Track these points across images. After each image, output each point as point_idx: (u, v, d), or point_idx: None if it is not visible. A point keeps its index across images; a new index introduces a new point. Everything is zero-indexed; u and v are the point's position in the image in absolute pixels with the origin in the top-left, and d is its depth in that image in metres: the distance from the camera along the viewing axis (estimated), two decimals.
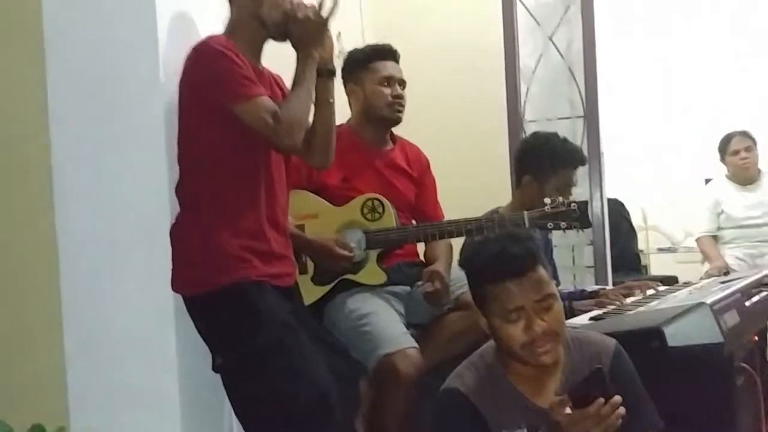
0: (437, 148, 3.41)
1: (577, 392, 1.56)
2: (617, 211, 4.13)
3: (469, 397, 1.72)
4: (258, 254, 2.02)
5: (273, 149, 2.01)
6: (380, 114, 2.58)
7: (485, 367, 1.77)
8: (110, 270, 2.13)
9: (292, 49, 2.10)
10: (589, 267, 3.56)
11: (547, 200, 2.40)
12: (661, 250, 5.67)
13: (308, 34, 2.04)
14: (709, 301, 2.04)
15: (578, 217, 2.37)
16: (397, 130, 2.74)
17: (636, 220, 5.54)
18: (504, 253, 1.69)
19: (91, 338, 2.15)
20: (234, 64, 1.95)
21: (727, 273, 3.56)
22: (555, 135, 2.86)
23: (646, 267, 5.46)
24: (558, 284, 2.89)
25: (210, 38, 2.01)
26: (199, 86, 1.98)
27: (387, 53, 2.61)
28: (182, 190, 2.05)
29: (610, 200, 3.98)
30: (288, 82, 2.12)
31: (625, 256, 4.10)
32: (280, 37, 2.08)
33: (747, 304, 2.26)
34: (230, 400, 2.04)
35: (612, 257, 3.70)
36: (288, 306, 2.06)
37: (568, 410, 1.55)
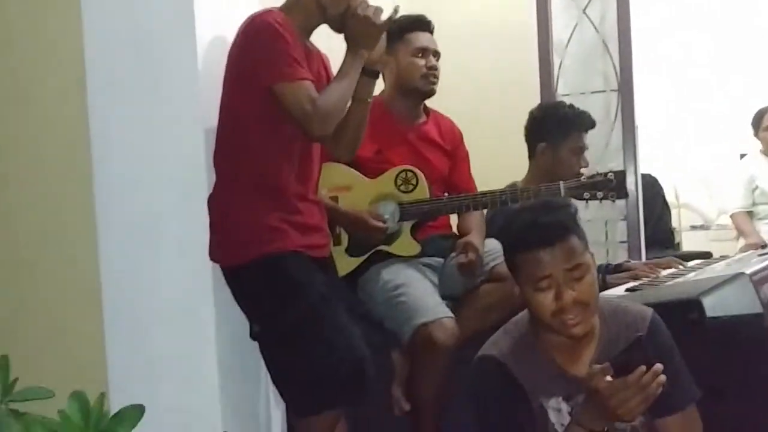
0: (470, 123, 3.39)
1: (618, 361, 1.54)
2: (651, 186, 4.07)
3: (506, 364, 1.72)
4: (294, 226, 2.04)
5: (303, 134, 2.02)
6: (414, 86, 2.56)
7: (520, 335, 1.77)
8: (148, 239, 2.15)
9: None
10: (622, 242, 3.52)
11: (584, 170, 2.39)
12: (693, 227, 5.62)
13: (364, 34, 2.04)
14: (748, 271, 2.01)
15: (615, 186, 2.35)
16: (430, 105, 2.73)
17: (669, 197, 5.49)
18: (535, 222, 1.69)
19: (129, 307, 2.18)
20: (285, 43, 1.95)
21: (764, 247, 3.52)
22: (562, 102, 2.94)
23: (679, 244, 5.41)
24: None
25: (267, 12, 2.02)
26: (248, 58, 1.99)
27: (422, 24, 2.59)
28: (221, 160, 2.07)
29: (644, 176, 3.93)
30: (335, 65, 2.14)
31: (658, 232, 4.04)
32: (336, 26, 2.08)
33: None
34: (268, 368, 2.07)
35: (646, 233, 3.66)
36: (323, 277, 2.08)
37: (608, 378, 1.54)
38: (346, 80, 2.04)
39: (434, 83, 2.58)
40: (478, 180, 2.79)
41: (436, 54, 2.59)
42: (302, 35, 2.08)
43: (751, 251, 2.99)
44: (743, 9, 5.29)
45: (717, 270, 2.31)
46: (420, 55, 2.56)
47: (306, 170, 2.10)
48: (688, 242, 5.43)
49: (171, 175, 2.14)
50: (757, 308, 1.96)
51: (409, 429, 2.32)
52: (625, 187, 2.39)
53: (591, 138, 2.91)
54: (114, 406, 1.93)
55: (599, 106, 3.47)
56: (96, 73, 2.17)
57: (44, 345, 2.27)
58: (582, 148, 2.76)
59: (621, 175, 2.38)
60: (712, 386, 1.90)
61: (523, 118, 3.59)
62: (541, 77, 3.55)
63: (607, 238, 3.56)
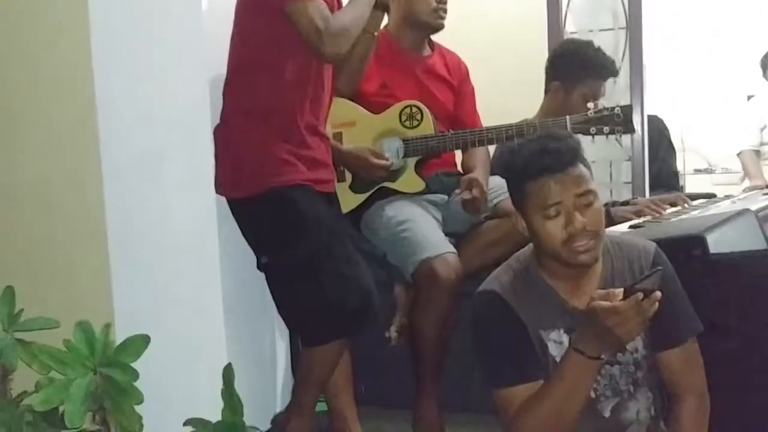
0: (477, 61, 3.34)
1: (632, 291, 1.54)
2: (657, 127, 4.02)
3: (506, 298, 1.72)
4: (303, 159, 2.04)
5: (314, 54, 1.99)
6: (423, 19, 2.52)
7: (522, 269, 1.77)
8: (153, 173, 2.16)
9: None
10: (626, 183, 3.50)
11: (590, 104, 2.37)
12: (697, 171, 5.60)
13: None
14: (753, 207, 2.00)
15: (622, 121, 2.33)
16: (438, 41, 2.69)
17: (673, 141, 5.46)
18: (544, 149, 1.67)
19: (134, 240, 2.20)
20: None
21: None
22: (590, 44, 2.83)
23: (683, 188, 5.40)
24: None
25: None
26: None
27: None
28: (230, 92, 2.05)
29: (650, 116, 3.88)
30: None
31: (663, 173, 4.01)
32: None
33: None
34: (274, 299, 2.08)
35: (650, 175, 3.64)
36: (331, 211, 2.08)
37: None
38: (359, 4, 2.01)
39: (443, 18, 2.53)
40: (486, 119, 2.76)
41: None
42: None
43: (756, 191, 2.98)
44: None
45: (722, 207, 2.30)
46: None
47: (317, 102, 2.08)
48: (692, 186, 5.41)
49: (174, 110, 2.13)
50: (762, 244, 1.96)
51: (412, 361, 2.34)
52: (631, 122, 2.37)
53: None
54: (120, 336, 1.97)
55: (607, 44, 3.39)
56: (99, 11, 2.15)
57: (50, 276, 2.29)
58: (596, 97, 2.69)
59: (628, 109, 2.36)
60: (716, 322, 1.92)
61: (531, 56, 3.55)
62: (549, 15, 3.49)
63: (611, 178, 3.54)
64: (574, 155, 1.68)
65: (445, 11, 2.53)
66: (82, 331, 1.93)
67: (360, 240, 2.41)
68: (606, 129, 2.34)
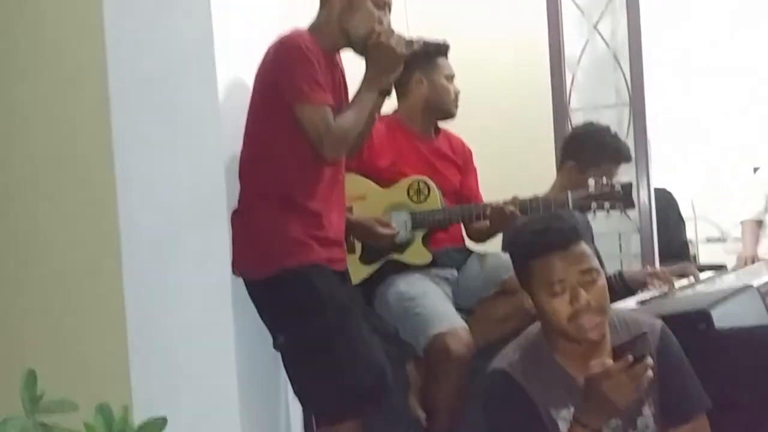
0: (485, 138, 3.45)
1: (620, 350, 1.59)
2: (665, 200, 4.09)
3: (516, 377, 1.75)
4: (317, 239, 2.10)
5: (317, 155, 2.08)
6: (444, 108, 2.67)
7: (531, 347, 1.80)
8: (170, 254, 2.22)
9: None
10: (636, 255, 3.55)
11: (591, 181, 2.43)
12: (709, 240, 5.62)
13: (386, 62, 2.11)
14: (756, 283, 2.04)
15: (622, 197, 2.40)
16: (447, 122, 2.79)
17: (685, 210, 5.50)
18: (547, 228, 1.73)
19: (152, 321, 2.25)
20: (311, 65, 2.03)
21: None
22: (607, 128, 2.93)
23: (695, 257, 5.41)
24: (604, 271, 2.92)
25: (296, 33, 2.09)
26: (275, 76, 2.07)
27: (448, 50, 2.70)
28: (246, 177, 2.14)
29: (658, 190, 3.95)
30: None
31: (673, 245, 4.06)
32: (359, 50, 2.15)
33: None
34: (290, 378, 2.12)
35: (660, 246, 3.67)
36: (345, 289, 2.14)
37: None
38: (360, 107, 2.11)
39: (458, 107, 2.69)
40: (492, 194, 2.83)
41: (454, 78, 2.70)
42: (328, 54, 2.14)
43: (763, 262, 3.02)
44: (755, 22, 5.31)
45: (727, 282, 2.34)
46: (449, 80, 2.66)
47: (332, 182, 2.16)
48: (705, 255, 5.43)
49: (191, 192, 2.21)
50: (765, 319, 1.99)
51: None
52: (631, 198, 2.44)
53: None
54: (137, 418, 2.00)
55: (611, 120, 3.49)
56: (119, 94, 2.25)
57: (69, 358, 2.34)
58: (610, 179, 2.74)
59: (628, 186, 2.43)
60: (722, 397, 1.94)
61: (537, 133, 3.66)
62: (553, 92, 3.59)
63: (621, 250, 3.58)
64: (576, 233, 1.74)
65: (458, 101, 2.70)
66: (102, 413, 1.96)
67: (371, 315, 2.45)
68: (606, 205, 2.41)
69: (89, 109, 2.35)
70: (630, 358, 1.56)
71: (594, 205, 2.42)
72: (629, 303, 2.29)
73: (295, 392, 2.14)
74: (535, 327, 1.85)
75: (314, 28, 2.16)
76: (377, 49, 2.09)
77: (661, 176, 4.84)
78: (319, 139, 2.03)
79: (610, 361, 1.60)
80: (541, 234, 1.74)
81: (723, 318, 2.01)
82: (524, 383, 1.75)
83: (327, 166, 2.13)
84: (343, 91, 2.20)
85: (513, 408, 1.75)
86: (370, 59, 2.12)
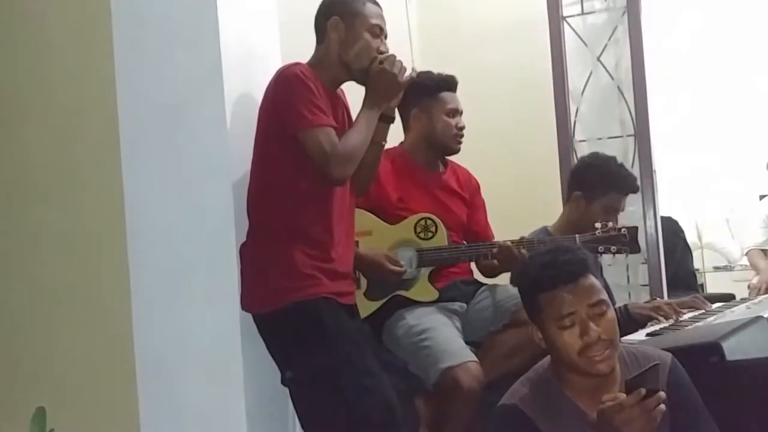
0: (490, 170, 3.46)
1: (631, 383, 1.59)
2: (672, 229, 4.10)
3: (526, 412, 1.74)
4: (325, 273, 2.10)
5: (323, 178, 2.08)
6: (444, 144, 2.66)
7: (542, 381, 1.80)
8: (178, 291, 2.23)
9: None
10: (644, 285, 3.54)
11: (598, 225, 2.46)
12: (717, 268, 5.61)
13: (386, 89, 2.14)
14: (766, 314, 2.04)
15: (628, 242, 2.42)
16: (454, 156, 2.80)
17: (691, 239, 5.49)
18: (555, 261, 1.74)
19: (160, 355, 2.25)
20: (309, 92, 2.05)
21: None
22: (613, 159, 2.94)
23: (702, 286, 5.40)
24: (613, 303, 2.92)
25: (295, 64, 2.12)
26: (276, 107, 2.09)
27: (452, 84, 2.68)
28: (255, 211, 2.14)
29: (664, 218, 3.96)
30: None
31: (680, 274, 4.05)
32: (361, 81, 2.18)
33: None
34: (298, 414, 2.11)
35: (668, 276, 3.67)
36: (353, 323, 2.13)
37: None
38: (363, 130, 2.12)
39: (461, 143, 2.68)
40: (498, 226, 2.84)
41: (461, 113, 2.69)
42: (328, 87, 2.16)
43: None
44: (756, 51, 5.35)
45: (737, 313, 2.33)
46: (451, 115, 2.64)
47: (338, 216, 2.16)
48: (713, 283, 5.43)
49: (200, 228, 2.22)
50: None
51: None
52: (637, 243, 2.47)
53: None
54: None
55: (616, 151, 3.50)
56: (129, 129, 2.28)
57: (79, 394, 2.33)
58: (617, 210, 2.79)
59: (634, 231, 2.46)
60: (735, 429, 1.93)
61: (542, 165, 3.68)
62: (558, 124, 3.62)
63: (628, 281, 3.58)
64: (584, 266, 1.75)
65: (462, 136, 2.68)
66: None
67: (379, 349, 2.45)
68: (613, 249, 2.45)
69: (98, 145, 2.38)
70: (643, 391, 1.56)
71: (601, 248, 2.44)
72: (639, 335, 2.28)
73: (304, 428, 2.12)
74: (545, 361, 1.84)
75: (314, 63, 2.18)
76: (380, 75, 2.12)
77: (667, 205, 4.89)
78: (325, 159, 2.03)
79: (622, 395, 1.60)
80: (549, 267, 1.75)
81: (734, 350, 2.00)
82: (535, 418, 1.74)
83: (334, 199, 2.13)
84: (346, 125, 2.21)
85: None
86: (371, 85, 2.14)
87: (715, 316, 2.37)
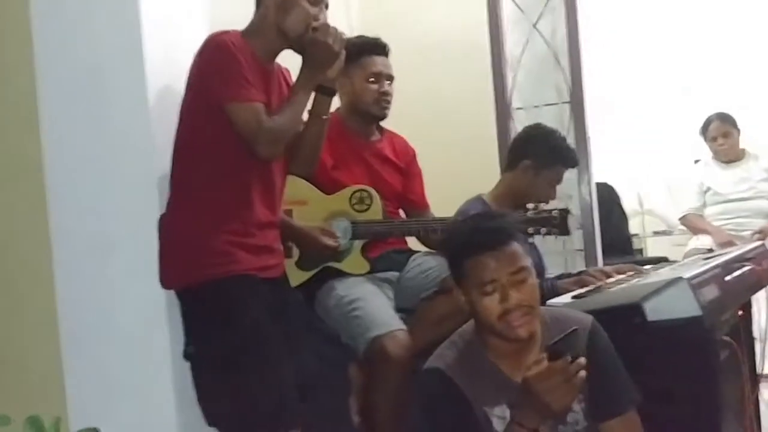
0: (428, 139, 3.45)
1: (553, 350, 1.61)
2: (608, 195, 4.18)
3: (450, 376, 1.76)
4: (245, 248, 2.05)
5: (250, 154, 2.04)
6: (366, 109, 2.63)
7: (465, 345, 1.82)
8: (102, 266, 2.19)
9: None
10: (579, 251, 3.60)
11: (530, 205, 2.46)
12: (656, 233, 5.72)
13: (321, 59, 2.08)
14: (686, 275, 2.08)
15: (558, 224, 2.41)
16: (389, 122, 2.78)
17: (632, 205, 5.61)
18: (478, 228, 1.77)
19: (86, 333, 2.22)
20: (238, 63, 1.99)
21: (710, 251, 3.65)
22: (558, 131, 2.95)
23: (641, 250, 5.51)
24: (545, 271, 2.96)
25: (224, 32, 2.05)
26: (203, 77, 2.03)
27: (377, 48, 2.64)
28: (174, 182, 2.09)
29: (600, 185, 4.03)
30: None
31: (617, 240, 4.15)
32: (298, 49, 2.12)
33: (727, 278, 2.28)
34: (195, 387, 2.06)
35: (604, 241, 3.74)
36: (272, 300, 2.08)
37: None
38: (296, 103, 2.08)
39: (386, 108, 2.64)
40: (436, 195, 2.85)
41: (390, 78, 2.64)
42: (263, 58, 2.10)
43: (698, 256, 3.08)
44: (695, 15, 5.42)
45: (661, 275, 2.37)
46: (373, 80, 2.61)
47: (263, 188, 2.11)
48: (653, 247, 5.54)
49: (122, 204, 2.18)
50: (696, 311, 2.02)
51: None
52: (567, 225, 2.45)
53: None
54: (73, 429, 1.97)
55: (552, 118, 3.56)
56: (48, 99, 2.22)
57: (2, 372, 2.29)
58: (558, 183, 2.82)
59: (564, 213, 2.44)
60: (659, 389, 1.97)
61: (479, 133, 3.70)
62: (495, 92, 3.64)
63: (564, 246, 3.63)
64: (508, 234, 1.77)
65: (388, 101, 2.64)
66: (33, 425, 1.93)
67: (312, 318, 2.45)
68: (543, 231, 2.43)
69: (16, 117, 2.31)
70: (568, 359, 1.58)
71: (531, 230, 2.43)
72: (564, 298, 2.31)
73: (198, 402, 2.07)
74: (469, 325, 1.86)
75: (249, 32, 2.12)
76: (313, 45, 2.07)
77: (607, 172, 4.96)
78: (253, 137, 1.98)
79: (545, 363, 1.61)
80: (473, 234, 1.77)
81: (655, 310, 2.04)
82: (459, 381, 1.77)
83: (258, 171, 2.09)
84: (279, 98, 2.15)
85: (448, 405, 1.76)
86: (306, 56, 2.10)
87: (638, 279, 2.41)
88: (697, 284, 2.08)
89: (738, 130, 4.45)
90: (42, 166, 2.21)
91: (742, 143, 4.51)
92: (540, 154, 2.77)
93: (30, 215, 2.28)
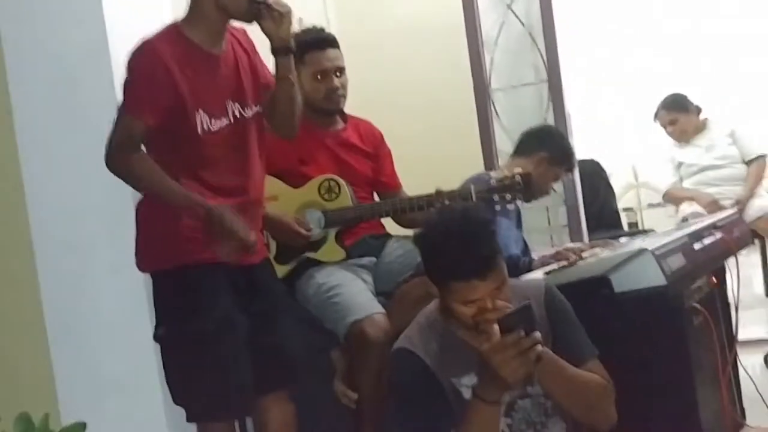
0: (407, 122, 3.51)
1: (506, 323, 1.63)
2: (594, 170, 4.20)
3: (416, 353, 1.81)
4: None
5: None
6: (319, 106, 2.64)
7: (429, 322, 1.87)
8: (83, 262, 2.27)
9: None
10: (564, 226, 3.63)
11: (493, 173, 2.49)
12: (651, 205, 5.74)
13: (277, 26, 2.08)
14: (651, 246, 2.12)
15: (521, 189, 2.43)
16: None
17: (628, 179, 5.64)
18: (468, 254, 1.71)
19: (72, 329, 2.30)
20: (141, 78, 2.01)
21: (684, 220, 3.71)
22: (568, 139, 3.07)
23: (636, 223, 5.54)
24: (527, 248, 3.00)
25: (152, 38, 2.05)
26: (125, 80, 2.07)
27: (323, 42, 2.62)
28: None
29: (586, 161, 4.06)
30: None
31: (604, 214, 4.17)
32: (247, 19, 2.11)
33: (696, 246, 2.31)
34: (164, 370, 2.12)
35: (592, 216, 3.78)
36: (245, 285, 2.12)
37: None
38: (163, 189, 2.04)
39: (339, 101, 2.65)
40: (415, 178, 2.87)
41: (339, 70, 2.63)
42: (208, 42, 2.09)
43: (676, 226, 3.11)
44: None
45: (630, 246, 2.41)
46: (319, 77, 2.61)
47: (233, 176, 2.12)
48: (648, 220, 5.57)
49: (99, 201, 2.24)
50: (661, 280, 2.06)
51: (353, 421, 2.42)
52: (530, 189, 2.48)
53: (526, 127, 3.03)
54: (64, 423, 2.03)
55: (531, 98, 3.59)
56: (21, 103, 2.30)
57: None
58: (556, 181, 2.92)
59: (528, 177, 2.46)
60: (631, 359, 2.02)
61: (459, 115, 3.72)
62: (473, 73, 3.65)
63: (549, 223, 3.67)
64: (495, 257, 1.74)
65: (339, 94, 2.63)
66: (22, 422, 1.99)
67: (296, 306, 2.51)
68: (508, 197, 2.44)
69: None
70: (522, 332, 1.61)
71: (496, 197, 2.44)
72: (537, 273, 2.36)
73: (168, 384, 2.13)
74: (433, 304, 1.90)
75: (188, 19, 2.10)
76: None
77: (601, 147, 5.00)
78: (109, 147, 2.00)
79: (498, 337, 1.63)
80: (461, 260, 1.71)
81: (622, 282, 2.08)
82: (425, 358, 1.81)
83: (220, 163, 2.10)
84: (242, 72, 2.15)
85: (416, 382, 1.81)
86: (263, 25, 2.09)
87: (608, 251, 2.45)
88: (662, 254, 2.12)
89: (688, 110, 4.51)
90: (20, 170, 2.27)
91: (706, 113, 4.56)
92: (556, 151, 2.84)
93: (10, 217, 2.34)
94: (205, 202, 2.01)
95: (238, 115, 2.12)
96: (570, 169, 2.98)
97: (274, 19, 2.08)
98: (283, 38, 2.12)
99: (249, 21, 2.12)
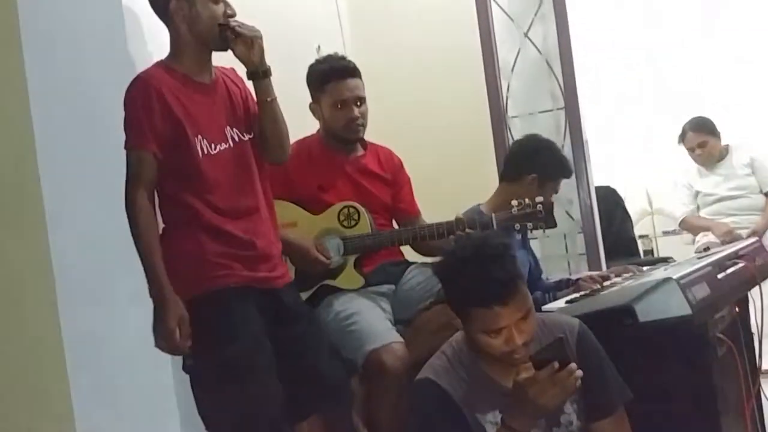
0: (424, 151, 3.50)
1: (539, 358, 1.64)
2: (610, 197, 4.20)
3: (441, 385, 1.79)
4: (240, 259, 2.09)
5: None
6: (339, 135, 2.65)
7: (454, 354, 1.85)
8: (103, 288, 2.27)
9: None
10: (582, 254, 3.61)
11: (514, 202, 2.48)
12: (666, 233, 5.71)
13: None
14: (675, 276, 2.10)
15: (543, 217, 2.44)
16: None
17: (642, 205, 5.61)
18: (490, 278, 1.69)
19: (91, 356, 2.30)
20: (138, 111, 2.03)
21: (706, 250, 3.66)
22: (555, 145, 3.01)
23: (651, 251, 5.50)
24: (540, 272, 2.99)
25: (142, 75, 2.09)
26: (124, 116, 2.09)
27: (344, 72, 2.63)
28: (164, 204, 2.13)
29: (602, 188, 4.05)
30: None
31: (621, 242, 4.16)
32: (221, 47, 2.15)
33: (719, 276, 2.29)
34: (195, 400, 2.11)
35: (608, 243, 3.75)
36: (271, 311, 2.12)
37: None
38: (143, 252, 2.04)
39: (358, 131, 2.65)
40: (431, 204, 2.87)
41: (360, 100, 2.63)
42: (196, 71, 2.14)
43: (696, 255, 3.09)
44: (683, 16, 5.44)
45: (654, 276, 2.39)
46: (339, 107, 2.61)
47: (249, 200, 2.15)
48: (663, 247, 5.52)
49: (120, 228, 2.21)
50: (686, 310, 2.04)
51: None
52: (552, 217, 2.48)
53: None
54: None
55: (549, 125, 3.59)
56: (43, 131, 2.31)
57: (11, 396, 2.35)
58: (556, 193, 2.88)
59: (549, 206, 2.47)
60: (655, 389, 2.00)
61: (476, 142, 3.73)
62: (490, 101, 3.66)
63: (567, 250, 3.64)
64: (516, 281, 1.73)
65: (359, 124, 2.64)
66: None
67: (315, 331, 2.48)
68: (530, 225, 2.45)
69: (15, 150, 2.38)
70: (555, 365, 1.61)
71: (517, 226, 2.46)
72: (558, 303, 2.34)
73: (199, 414, 2.11)
74: (460, 335, 1.89)
75: (173, 53, 2.15)
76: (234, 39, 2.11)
77: (615, 174, 4.98)
78: (128, 182, 2.04)
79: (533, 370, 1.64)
80: (482, 285, 1.70)
81: (646, 311, 2.06)
82: (450, 390, 1.80)
83: (226, 183, 2.12)
84: (235, 101, 2.18)
85: (440, 414, 1.79)
86: (235, 50, 2.12)
87: (631, 281, 2.43)
88: (686, 283, 2.10)
89: (715, 134, 4.49)
90: (41, 198, 2.28)
91: (726, 139, 4.54)
92: (546, 168, 2.81)
93: (30, 244, 2.34)
94: (164, 291, 1.99)
95: (237, 139, 2.16)
96: (567, 176, 2.91)
97: (245, 44, 2.11)
98: (255, 62, 2.14)
99: (224, 48, 2.15)
